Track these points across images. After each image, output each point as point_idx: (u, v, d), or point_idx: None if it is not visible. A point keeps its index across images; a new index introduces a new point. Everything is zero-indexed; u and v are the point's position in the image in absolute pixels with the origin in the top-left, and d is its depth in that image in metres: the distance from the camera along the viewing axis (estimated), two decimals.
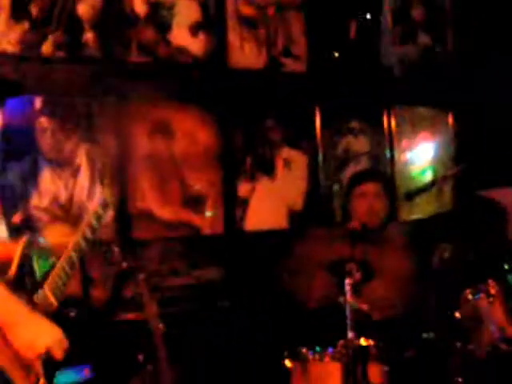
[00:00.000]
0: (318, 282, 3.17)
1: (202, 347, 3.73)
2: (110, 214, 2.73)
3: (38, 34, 3.49)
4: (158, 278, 3.73)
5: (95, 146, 3.59)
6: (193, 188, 3.94)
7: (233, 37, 4.08)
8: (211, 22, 4.02)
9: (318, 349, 2.83)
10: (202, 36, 4.00)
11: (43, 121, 3.48)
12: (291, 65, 4.34)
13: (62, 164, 3.55)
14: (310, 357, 2.83)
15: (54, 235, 3.45)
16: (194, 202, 3.93)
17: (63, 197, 3.54)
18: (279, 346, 3.04)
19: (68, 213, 3.52)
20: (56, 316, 2.07)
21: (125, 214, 3.69)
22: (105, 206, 2.38)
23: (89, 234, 2.30)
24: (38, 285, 2.16)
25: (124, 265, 3.17)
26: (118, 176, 3.64)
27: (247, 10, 4.18)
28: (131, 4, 3.79)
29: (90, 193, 3.58)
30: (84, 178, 3.58)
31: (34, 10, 3.49)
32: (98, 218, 2.34)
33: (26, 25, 3.46)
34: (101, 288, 3.56)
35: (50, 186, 3.52)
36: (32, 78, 3.46)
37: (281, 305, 3.52)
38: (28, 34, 3.47)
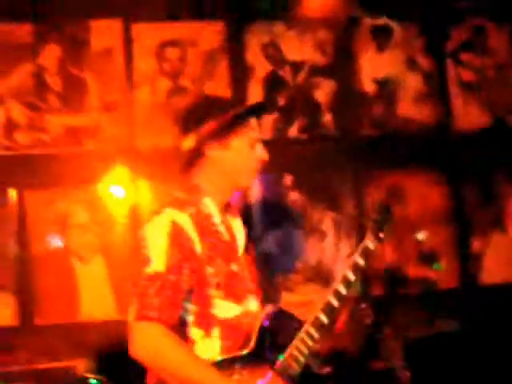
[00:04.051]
0: None
1: None
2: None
3: (285, 121, 4.10)
4: (399, 330, 4.02)
5: (338, 213, 4.07)
6: (426, 244, 4.22)
7: (456, 103, 4.36)
8: (435, 91, 4.35)
9: None
10: (426, 105, 4.34)
11: (293, 195, 4.05)
12: None
13: (310, 231, 4.07)
14: None
15: (306, 294, 3.96)
16: (429, 259, 4.21)
17: (313, 260, 4.05)
18: None
19: (318, 274, 4.02)
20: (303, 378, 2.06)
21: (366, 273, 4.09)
22: (356, 270, 2.15)
23: (335, 299, 2.11)
24: (279, 352, 2.05)
25: (369, 320, 3.54)
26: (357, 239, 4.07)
27: (468, 76, 4.45)
28: (361, 85, 4.27)
29: (335, 257, 4.05)
30: (330, 243, 4.08)
31: (281, 101, 4.12)
32: (347, 283, 2.13)
33: (275, 114, 4.09)
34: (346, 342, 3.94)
35: None
36: (282, 159, 4.03)
37: None
38: (278, 121, 4.10)
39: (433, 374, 3.68)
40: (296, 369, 2.03)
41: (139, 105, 4.01)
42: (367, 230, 2.21)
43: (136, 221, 3.92)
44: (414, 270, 4.17)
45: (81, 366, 3.60)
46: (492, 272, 4.29)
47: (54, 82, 3.97)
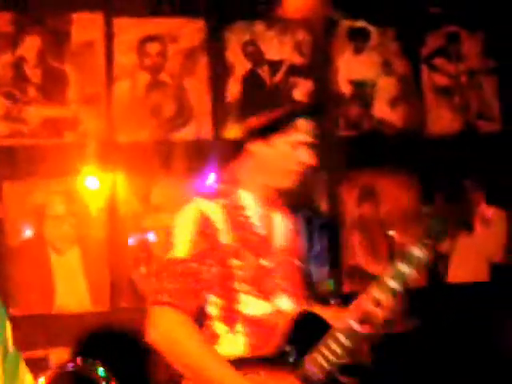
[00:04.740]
0: None
1: None
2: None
3: None
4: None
5: (312, 212, 4.16)
6: (398, 244, 4.32)
7: (429, 106, 4.48)
8: (409, 94, 4.46)
9: None
10: (400, 108, 4.45)
11: None
12: (486, 126, 4.62)
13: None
14: None
15: None
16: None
17: None
18: None
19: None
20: None
21: (338, 270, 4.20)
22: (399, 279, 2.01)
23: (371, 307, 1.98)
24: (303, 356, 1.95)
25: None
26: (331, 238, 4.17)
27: (441, 81, 4.57)
28: (337, 86, 4.35)
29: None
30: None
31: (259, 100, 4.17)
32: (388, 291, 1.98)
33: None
34: None
35: None
36: None
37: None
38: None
39: (397, 372, 3.83)
40: (319, 376, 1.93)
41: (119, 98, 4.05)
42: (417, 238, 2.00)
43: (113, 213, 3.95)
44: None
45: (55, 356, 3.62)
46: (459, 271, 4.42)
47: (34, 73, 3.97)
